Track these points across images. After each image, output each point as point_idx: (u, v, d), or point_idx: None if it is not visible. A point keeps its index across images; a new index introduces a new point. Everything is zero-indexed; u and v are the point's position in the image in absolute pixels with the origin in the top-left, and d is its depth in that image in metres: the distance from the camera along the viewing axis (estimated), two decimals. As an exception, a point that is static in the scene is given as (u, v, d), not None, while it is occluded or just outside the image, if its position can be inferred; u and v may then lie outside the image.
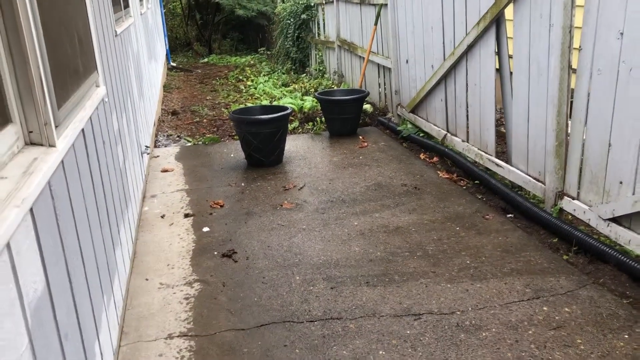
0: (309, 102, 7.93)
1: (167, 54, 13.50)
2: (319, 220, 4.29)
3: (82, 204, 2.32)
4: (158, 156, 6.09)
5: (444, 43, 5.38)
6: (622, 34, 3.27)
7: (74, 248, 2.09)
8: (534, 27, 4.03)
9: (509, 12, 4.37)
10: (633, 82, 3.23)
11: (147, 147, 5.23)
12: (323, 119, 6.92)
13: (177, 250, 3.94)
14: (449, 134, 5.55)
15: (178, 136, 7.10)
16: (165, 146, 6.62)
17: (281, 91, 9.60)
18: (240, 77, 11.85)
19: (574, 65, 3.73)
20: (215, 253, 3.87)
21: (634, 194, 3.31)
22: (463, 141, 5.29)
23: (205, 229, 4.25)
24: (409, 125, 6.33)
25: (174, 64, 13.92)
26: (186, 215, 4.52)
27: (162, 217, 4.52)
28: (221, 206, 4.68)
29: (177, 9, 18.38)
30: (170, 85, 11.07)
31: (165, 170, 5.62)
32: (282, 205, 4.62)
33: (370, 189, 4.88)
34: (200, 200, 4.82)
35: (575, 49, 3.71)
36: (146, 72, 6.63)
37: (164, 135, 7.13)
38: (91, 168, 2.59)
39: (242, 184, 5.17)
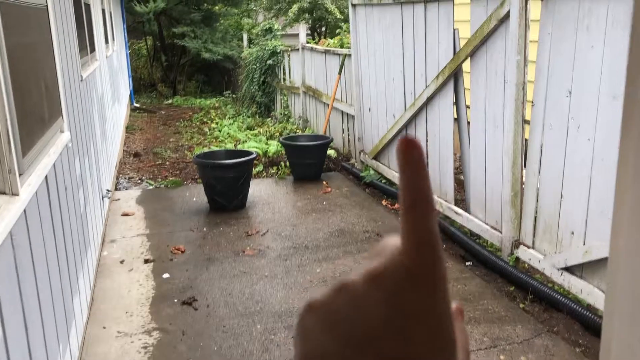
0: (274, 146, 8.01)
1: (130, 95, 13.48)
2: (281, 267, 4.30)
3: (43, 252, 2.30)
4: (119, 199, 6.02)
5: (404, 94, 5.56)
6: (570, 92, 3.47)
7: (32, 297, 2.06)
8: (490, 83, 4.23)
9: (466, 65, 4.57)
10: (581, 138, 3.41)
11: (108, 190, 5.18)
12: (287, 163, 6.99)
13: (136, 297, 3.88)
14: (409, 182, 5.67)
15: (140, 179, 7.05)
16: (127, 189, 6.56)
17: (246, 134, 9.66)
18: (205, 120, 11.88)
19: (528, 117, 3.92)
20: (176, 300, 3.82)
21: (584, 244, 3.45)
22: (423, 189, 5.41)
23: (166, 276, 4.20)
24: (372, 172, 6.45)
25: (138, 105, 13.88)
26: (146, 261, 4.46)
27: (122, 262, 4.45)
28: (182, 252, 4.64)
29: (142, 50, 18.43)
30: (132, 126, 11.02)
31: (125, 214, 5.55)
32: (244, 252, 4.62)
33: (333, 235, 4.93)
34: (161, 245, 4.77)
35: (529, 101, 3.91)
36: (110, 114, 6.61)
37: (126, 178, 7.06)
38: (53, 215, 2.57)
39: (204, 229, 5.15)
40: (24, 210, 2.05)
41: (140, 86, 17.16)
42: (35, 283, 2.13)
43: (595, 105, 3.27)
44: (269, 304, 3.74)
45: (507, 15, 3.87)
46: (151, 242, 4.84)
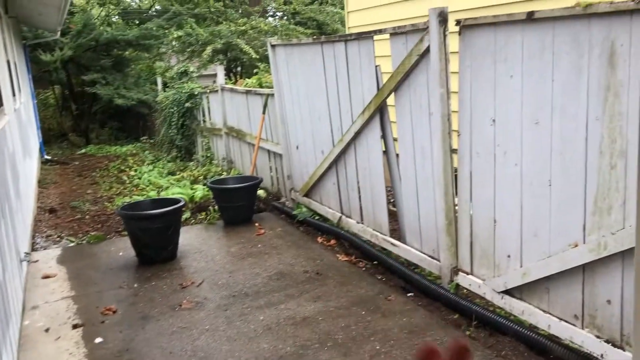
0: (200, 190, 7.81)
1: (40, 147, 12.79)
2: (222, 318, 4.12)
3: (-37, 336, 2.05)
4: (37, 260, 5.60)
5: (332, 130, 5.60)
6: (494, 120, 3.61)
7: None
8: (415, 115, 4.33)
9: (392, 98, 4.66)
10: (508, 163, 3.54)
11: (26, 253, 4.81)
12: (216, 207, 6.82)
13: (67, 368, 3.57)
14: (343, 216, 5.68)
15: (59, 236, 6.61)
16: (45, 248, 6.12)
17: (168, 180, 9.37)
18: (123, 168, 11.45)
19: (456, 146, 4.02)
20: (112, 366, 3.55)
21: (521, 266, 3.55)
22: (358, 222, 5.43)
23: (98, 340, 3.91)
24: (304, 209, 6.40)
25: (49, 157, 13.18)
26: (74, 326, 4.14)
27: (47, 330, 4.10)
28: (114, 312, 4.35)
29: (49, 100, 17.64)
30: (45, 180, 10.41)
31: (46, 276, 5.16)
32: (181, 305, 4.39)
33: (272, 278, 4.81)
34: (89, 307, 4.45)
35: (455, 131, 4.02)
36: (22, 171, 6.21)
37: (43, 237, 6.61)
38: (-29, 292, 2.31)
39: (135, 285, 4.87)
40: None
41: (50, 137, 16.34)
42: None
43: (519, 132, 3.41)
44: (214, 359, 3.55)
45: (427, 50, 4.00)
46: (78, 305, 4.51)
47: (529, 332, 3.47)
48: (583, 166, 3.05)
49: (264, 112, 7.21)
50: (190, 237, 6.10)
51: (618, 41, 2.78)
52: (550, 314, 3.39)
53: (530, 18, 3.20)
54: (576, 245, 3.14)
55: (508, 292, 3.68)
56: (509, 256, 3.64)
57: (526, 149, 3.40)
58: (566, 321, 3.29)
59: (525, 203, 3.46)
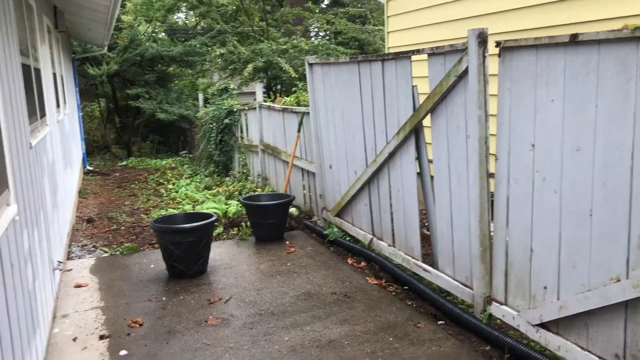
0: (234, 206, 7.83)
1: (83, 158, 13.13)
2: (247, 337, 4.06)
3: (-18, 345, 2.05)
4: (71, 270, 5.68)
5: (365, 150, 5.53)
6: (533, 145, 3.48)
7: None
8: (452, 138, 4.23)
9: (427, 119, 4.57)
10: (547, 190, 3.39)
11: (59, 262, 4.87)
12: (249, 223, 6.81)
13: (90, 380, 3.56)
14: (375, 238, 5.58)
15: (94, 246, 6.71)
16: (80, 258, 6.22)
17: (204, 194, 9.46)
18: (161, 181, 11.63)
19: (493, 170, 3.89)
20: (134, 380, 3.53)
21: (558, 299, 3.38)
22: (389, 245, 5.32)
23: (123, 353, 3.90)
24: (335, 229, 6.33)
25: (91, 168, 13.51)
26: (101, 337, 4.15)
27: (74, 340, 4.12)
28: (140, 325, 4.34)
29: (95, 112, 18.17)
30: (86, 190, 10.65)
31: (78, 286, 5.22)
32: (207, 321, 4.36)
33: (299, 298, 4.73)
34: (117, 319, 4.47)
35: (492, 155, 3.89)
36: (61, 180, 6.34)
37: (78, 246, 6.72)
38: (-5, 300, 2.32)
39: (164, 299, 4.87)
40: (-39, 299, 1.83)
41: (93, 148, 16.80)
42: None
43: (560, 158, 3.27)
44: (236, 379, 3.49)
45: (465, 71, 3.91)
46: (107, 316, 4.53)
47: (565, 369, 3.29)
48: (628, 197, 2.89)
49: (298, 131, 7.20)
50: (221, 252, 6.10)
51: (667, 66, 2.64)
52: (589, 351, 3.21)
53: (574, 41, 3.08)
54: (618, 280, 2.97)
55: (543, 325, 3.50)
56: (545, 288, 3.48)
57: (566, 177, 3.25)
58: (606, 360, 3.10)
59: (564, 233, 3.30)
